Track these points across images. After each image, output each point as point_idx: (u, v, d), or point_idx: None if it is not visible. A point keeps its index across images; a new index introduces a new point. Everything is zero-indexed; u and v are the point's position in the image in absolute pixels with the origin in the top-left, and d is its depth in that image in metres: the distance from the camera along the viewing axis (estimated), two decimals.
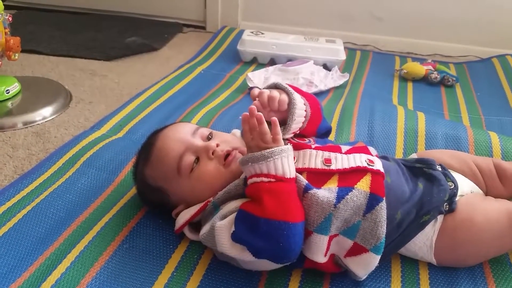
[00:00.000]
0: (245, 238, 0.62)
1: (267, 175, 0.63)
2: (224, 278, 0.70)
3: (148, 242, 0.76)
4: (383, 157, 0.76)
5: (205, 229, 0.69)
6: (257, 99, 0.72)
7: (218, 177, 0.72)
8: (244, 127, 0.67)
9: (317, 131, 0.80)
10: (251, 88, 1.37)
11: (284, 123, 0.74)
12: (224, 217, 0.66)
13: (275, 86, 0.76)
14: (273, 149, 0.64)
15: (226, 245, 0.64)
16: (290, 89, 0.74)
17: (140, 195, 0.82)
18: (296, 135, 0.77)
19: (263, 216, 0.61)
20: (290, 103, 0.73)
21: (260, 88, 1.34)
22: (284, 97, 0.73)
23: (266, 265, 0.65)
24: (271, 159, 0.63)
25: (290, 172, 0.64)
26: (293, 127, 0.74)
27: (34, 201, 0.84)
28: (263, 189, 0.63)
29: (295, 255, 0.62)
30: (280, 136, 0.66)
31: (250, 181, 0.65)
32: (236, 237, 0.63)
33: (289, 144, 0.67)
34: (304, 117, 0.76)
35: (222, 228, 0.65)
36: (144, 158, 0.77)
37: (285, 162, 0.64)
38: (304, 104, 0.76)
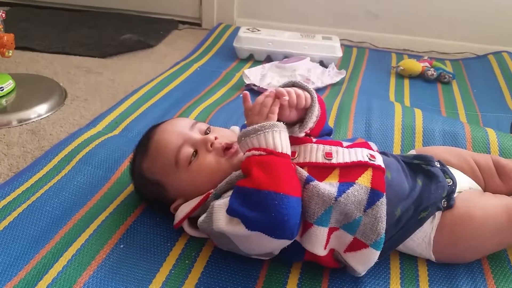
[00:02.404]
0: (238, 210, 0.62)
1: (257, 149, 0.65)
2: (223, 275, 0.70)
3: (146, 240, 0.76)
4: (382, 153, 0.76)
5: (203, 215, 0.68)
6: (283, 100, 0.70)
7: (217, 169, 0.72)
8: (244, 105, 0.71)
9: (320, 133, 0.80)
10: (248, 85, 1.37)
11: (298, 121, 0.74)
12: (222, 198, 0.67)
13: (293, 85, 0.75)
14: (264, 123, 0.66)
15: (222, 221, 0.63)
16: (308, 87, 0.74)
17: (138, 191, 0.82)
18: None
19: (252, 186, 0.62)
20: (312, 101, 0.73)
21: (256, 85, 1.35)
22: (307, 94, 0.73)
23: (264, 242, 0.62)
24: (261, 132, 0.65)
25: (282, 147, 0.65)
26: (308, 126, 0.74)
27: (29, 199, 0.83)
28: (253, 162, 0.64)
29: (289, 229, 0.60)
30: (275, 115, 0.68)
31: (244, 156, 0.67)
32: (230, 210, 0.63)
33: (282, 122, 0.69)
34: (316, 116, 0.75)
35: (220, 206, 0.65)
36: (142, 152, 0.77)
37: (277, 136, 0.65)
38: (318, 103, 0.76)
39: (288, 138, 0.68)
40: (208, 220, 0.66)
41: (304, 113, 0.74)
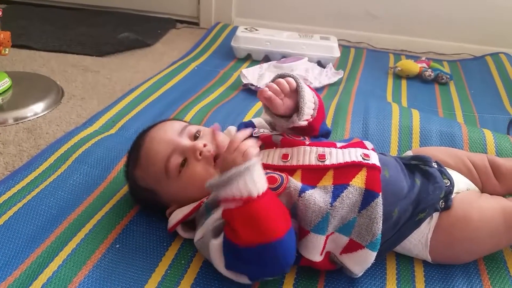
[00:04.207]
0: (237, 267, 0.63)
1: (233, 199, 0.59)
2: (219, 275, 0.69)
3: (141, 240, 0.75)
4: (380, 154, 0.75)
5: (199, 234, 0.68)
6: (266, 93, 0.71)
7: (207, 178, 0.66)
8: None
9: (320, 131, 0.79)
10: (245, 85, 1.36)
11: (296, 110, 0.73)
12: (216, 229, 0.65)
13: (279, 77, 0.75)
14: (231, 172, 0.58)
15: (222, 267, 0.64)
16: (291, 74, 0.74)
17: (132, 195, 0.82)
18: (291, 133, 0.76)
19: (242, 245, 0.59)
20: (297, 86, 0.72)
21: (254, 85, 1.34)
22: (289, 78, 0.73)
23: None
24: (230, 183, 0.58)
25: (258, 188, 0.59)
26: (306, 112, 0.73)
27: (25, 198, 0.83)
28: (234, 217, 0.60)
29: (289, 264, 0.62)
30: (250, 154, 0.60)
31: (222, 205, 0.62)
32: (229, 267, 0.63)
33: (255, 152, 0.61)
34: (314, 103, 0.75)
35: (216, 248, 0.63)
36: (134, 160, 0.77)
37: (249, 180, 0.58)
38: (311, 90, 0.75)
39: (261, 169, 0.61)
40: (205, 251, 0.66)
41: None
